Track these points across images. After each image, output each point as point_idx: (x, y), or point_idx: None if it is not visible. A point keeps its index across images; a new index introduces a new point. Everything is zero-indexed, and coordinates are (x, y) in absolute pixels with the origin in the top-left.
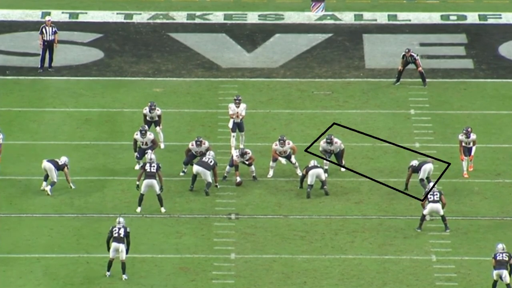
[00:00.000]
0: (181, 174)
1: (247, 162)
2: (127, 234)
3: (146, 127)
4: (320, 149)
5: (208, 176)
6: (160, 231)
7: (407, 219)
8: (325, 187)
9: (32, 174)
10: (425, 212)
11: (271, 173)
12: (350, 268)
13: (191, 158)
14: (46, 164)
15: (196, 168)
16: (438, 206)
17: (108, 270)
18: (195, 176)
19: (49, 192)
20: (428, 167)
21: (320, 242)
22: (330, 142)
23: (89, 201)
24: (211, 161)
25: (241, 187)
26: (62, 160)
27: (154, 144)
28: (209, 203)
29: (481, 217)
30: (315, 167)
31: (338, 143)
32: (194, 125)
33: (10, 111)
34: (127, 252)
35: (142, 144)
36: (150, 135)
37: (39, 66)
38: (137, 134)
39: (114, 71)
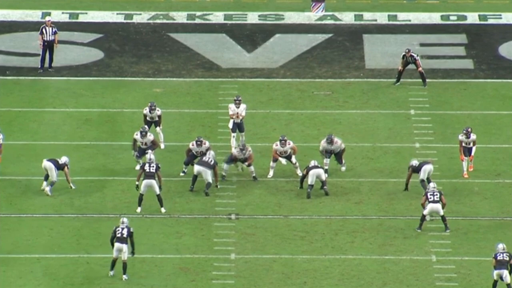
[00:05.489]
0: (181, 174)
1: (246, 163)
2: (130, 234)
3: (147, 128)
4: (320, 148)
5: (208, 175)
6: (160, 231)
7: (407, 219)
8: (325, 187)
9: (32, 174)
10: (425, 212)
11: (271, 173)
12: (350, 268)
13: (191, 158)
14: (46, 164)
15: (197, 168)
16: (438, 206)
17: (112, 269)
18: (195, 177)
19: (49, 193)
20: (428, 167)
21: (320, 242)
22: (330, 142)
23: (89, 201)
24: (211, 161)
25: (241, 187)
26: (63, 160)
27: (154, 145)
28: (209, 203)
29: (481, 217)
30: (315, 167)
31: (338, 142)
32: (194, 125)
33: (10, 111)
34: (133, 252)
35: (142, 145)
36: (150, 136)
37: (39, 66)
38: (137, 135)
39: (114, 71)
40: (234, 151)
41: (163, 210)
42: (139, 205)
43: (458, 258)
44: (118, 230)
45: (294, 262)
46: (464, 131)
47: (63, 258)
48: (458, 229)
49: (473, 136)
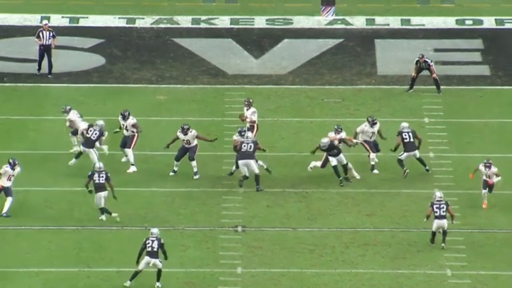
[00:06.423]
0: (171, 174)
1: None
2: (161, 245)
3: (129, 111)
4: (358, 129)
5: (253, 166)
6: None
7: (420, 232)
8: (347, 176)
9: (31, 185)
10: (433, 229)
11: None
12: (362, 283)
13: (182, 152)
14: (83, 149)
15: (243, 165)
16: (444, 223)
17: (131, 280)
18: (245, 176)
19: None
20: (412, 154)
21: (330, 256)
22: (375, 123)
23: (89, 213)
24: (250, 146)
25: (247, 198)
26: (98, 126)
27: (135, 128)
28: (215, 215)
29: (497, 230)
30: (334, 151)
31: (377, 123)
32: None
33: (8, 119)
34: (165, 258)
35: (123, 128)
36: (132, 120)
37: (37, 68)
38: (119, 117)
39: (116, 77)
40: (235, 137)
41: (114, 215)
42: (103, 213)
43: (474, 273)
44: (148, 242)
45: (303, 277)
46: (486, 163)
47: (63, 272)
48: (474, 242)
49: (494, 169)
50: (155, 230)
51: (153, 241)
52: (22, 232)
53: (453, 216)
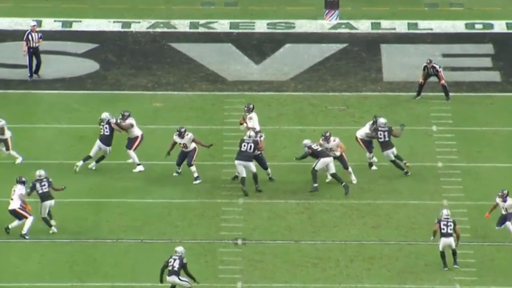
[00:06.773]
0: (175, 174)
1: (258, 152)
2: (183, 266)
3: (115, 119)
4: (369, 133)
5: (251, 167)
6: (161, 258)
7: (428, 245)
8: (344, 183)
9: None
10: (440, 248)
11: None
12: None
13: (181, 157)
14: (100, 145)
15: (240, 166)
16: (451, 240)
17: None
18: (243, 178)
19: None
20: (385, 153)
21: (334, 270)
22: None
23: (83, 225)
24: (250, 147)
25: (248, 209)
26: (105, 120)
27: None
28: (214, 227)
29: (509, 242)
30: (324, 153)
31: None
32: None
33: None
34: (194, 281)
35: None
36: (129, 120)
37: (28, 74)
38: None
39: (110, 84)
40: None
41: (53, 222)
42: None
43: None
44: (170, 261)
45: None
46: (500, 193)
47: (55, 286)
48: (484, 256)
49: (510, 201)
50: (179, 249)
51: (175, 260)
52: (13, 245)
53: (459, 237)
